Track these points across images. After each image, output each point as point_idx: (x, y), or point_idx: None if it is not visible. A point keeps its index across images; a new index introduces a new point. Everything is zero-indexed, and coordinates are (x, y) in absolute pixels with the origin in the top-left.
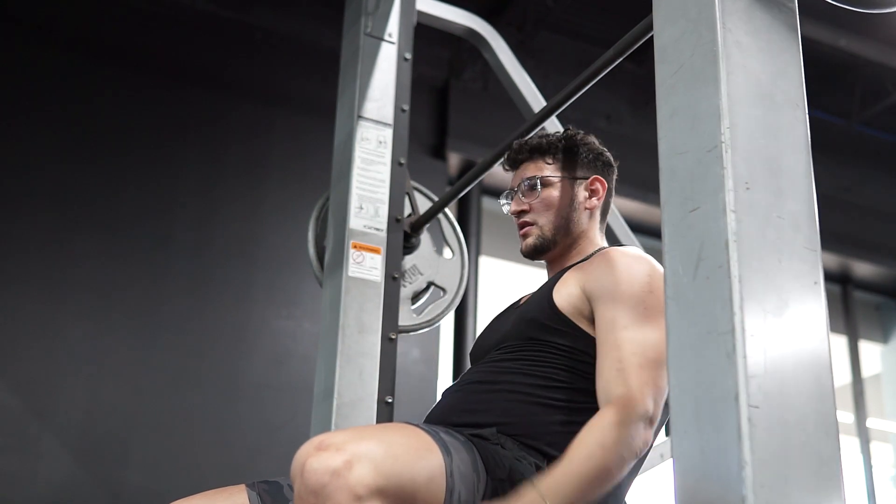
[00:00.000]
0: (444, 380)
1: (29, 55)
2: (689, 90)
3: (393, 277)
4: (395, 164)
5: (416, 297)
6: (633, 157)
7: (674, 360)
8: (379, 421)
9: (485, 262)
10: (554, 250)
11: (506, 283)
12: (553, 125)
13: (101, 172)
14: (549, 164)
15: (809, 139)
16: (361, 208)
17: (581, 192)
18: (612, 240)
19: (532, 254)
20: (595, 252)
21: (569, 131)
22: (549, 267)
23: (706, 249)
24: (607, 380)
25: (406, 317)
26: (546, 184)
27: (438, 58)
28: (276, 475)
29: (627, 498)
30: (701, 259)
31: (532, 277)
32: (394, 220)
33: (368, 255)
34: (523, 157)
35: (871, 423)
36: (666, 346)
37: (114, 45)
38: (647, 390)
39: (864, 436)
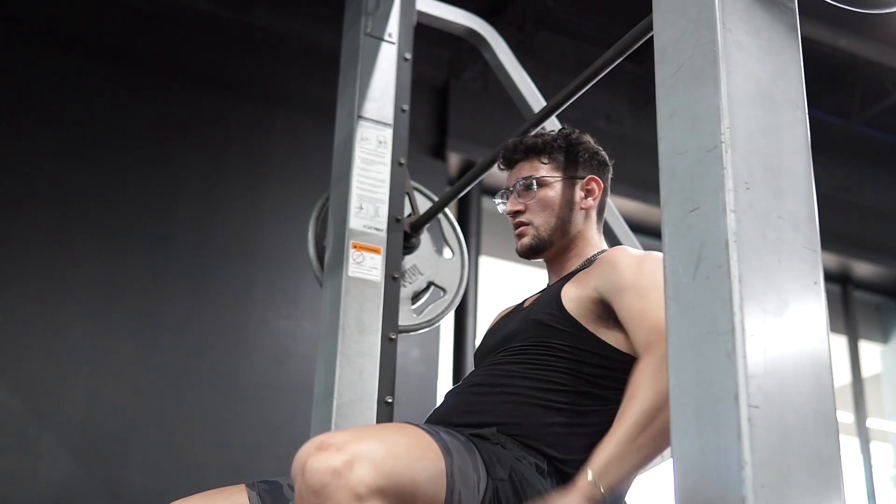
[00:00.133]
0: (444, 380)
1: (29, 55)
2: (689, 90)
3: (393, 277)
4: (395, 164)
5: (416, 297)
6: (633, 157)
7: (674, 360)
8: (379, 421)
9: (485, 262)
10: (550, 250)
11: (506, 283)
12: (553, 125)
13: (101, 172)
14: (545, 163)
15: (809, 139)
16: (361, 208)
17: (577, 192)
18: (612, 240)
19: (527, 254)
20: (597, 254)
21: (564, 130)
22: (549, 267)
23: (706, 249)
24: (649, 327)
25: (406, 317)
26: (542, 184)
27: (438, 58)
28: (276, 475)
29: (627, 498)
30: (701, 259)
31: (532, 277)
32: (394, 220)
33: (368, 255)
34: (519, 156)
35: (871, 423)
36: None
37: (114, 45)
38: None
39: (864, 436)
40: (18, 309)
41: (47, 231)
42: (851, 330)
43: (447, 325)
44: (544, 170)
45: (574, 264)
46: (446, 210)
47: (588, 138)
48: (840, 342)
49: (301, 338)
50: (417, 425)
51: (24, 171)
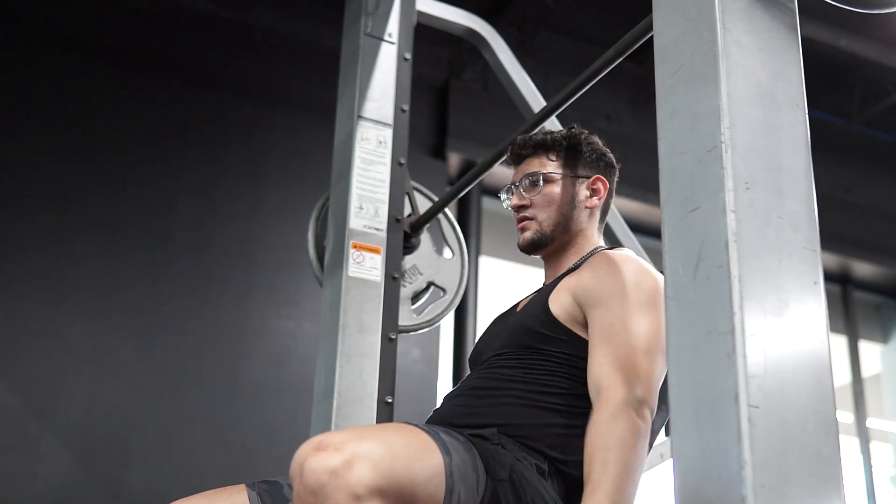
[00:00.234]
0: (444, 380)
1: (29, 55)
2: (689, 90)
3: (393, 277)
4: (395, 164)
5: (416, 297)
6: (633, 157)
7: (674, 360)
8: (379, 421)
9: (485, 262)
10: (550, 246)
11: (506, 283)
12: (553, 125)
13: (101, 172)
14: (553, 160)
15: (809, 139)
16: (361, 208)
17: (582, 191)
18: (612, 240)
19: (529, 248)
20: (590, 253)
21: (573, 130)
22: (547, 264)
23: (706, 249)
24: (595, 377)
25: (406, 317)
26: (548, 180)
27: (438, 58)
28: (276, 475)
29: None
30: (701, 259)
31: (532, 277)
32: (394, 220)
33: (368, 255)
34: (527, 152)
35: (871, 423)
36: (654, 335)
37: (114, 45)
38: (630, 377)
39: (864, 436)
40: (18, 309)
41: (47, 231)
42: (851, 330)
43: (447, 325)
44: (551, 166)
45: (571, 261)
46: (446, 210)
47: (596, 139)
48: (840, 342)
49: (301, 338)
50: (416, 425)
51: (24, 171)
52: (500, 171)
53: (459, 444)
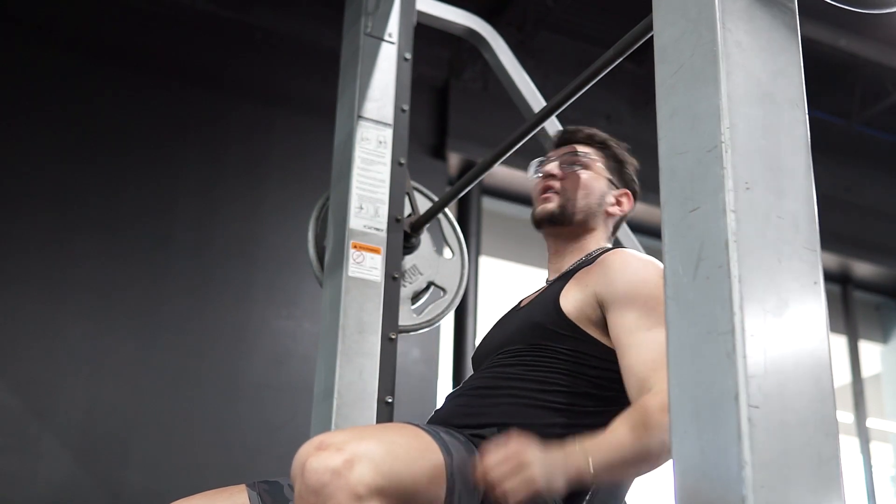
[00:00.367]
0: (444, 380)
1: (29, 55)
2: (689, 90)
3: (393, 277)
4: (395, 164)
5: (416, 297)
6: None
7: (674, 360)
8: (379, 421)
9: (485, 262)
10: (563, 228)
11: (506, 283)
12: (553, 125)
13: (101, 172)
14: (597, 157)
15: (809, 139)
16: (361, 208)
17: (610, 196)
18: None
19: (545, 219)
20: (600, 252)
21: (622, 143)
22: (551, 251)
23: (706, 249)
24: (642, 377)
25: (406, 317)
26: (588, 167)
27: (438, 58)
28: (276, 475)
29: (627, 498)
30: (701, 259)
31: (532, 277)
32: (394, 220)
33: (368, 255)
34: (579, 137)
35: (871, 423)
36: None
37: (114, 45)
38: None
39: (864, 436)
40: (18, 309)
41: (47, 231)
42: (851, 330)
43: (447, 325)
44: (596, 158)
45: (576, 257)
46: (446, 210)
47: (635, 161)
48: (840, 342)
49: (301, 338)
50: (417, 425)
51: (24, 171)
52: (501, 171)
53: (460, 444)
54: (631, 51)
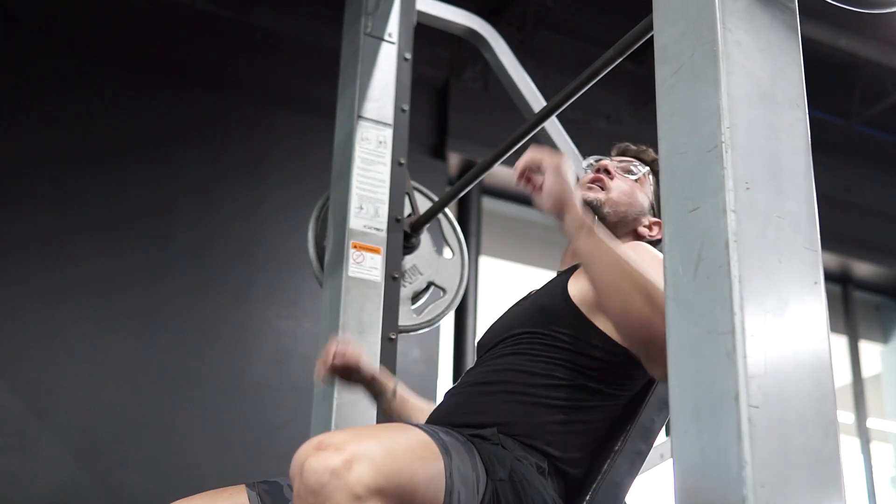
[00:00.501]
0: (444, 380)
1: (29, 55)
2: (689, 90)
3: (393, 277)
4: (395, 164)
5: (416, 297)
6: None
7: (674, 360)
8: (379, 421)
9: (485, 262)
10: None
11: (506, 283)
12: (553, 125)
13: (101, 172)
14: (652, 181)
15: (809, 139)
16: (361, 208)
17: (647, 218)
18: None
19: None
20: None
21: None
22: (569, 248)
23: (706, 249)
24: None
25: (406, 317)
26: (641, 182)
27: (438, 58)
28: (276, 475)
29: (627, 498)
30: (701, 259)
31: (532, 277)
32: (394, 220)
33: (368, 255)
34: (642, 155)
35: (871, 423)
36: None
37: (114, 45)
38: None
39: (864, 436)
40: (18, 309)
41: (47, 231)
42: (851, 330)
43: (447, 325)
44: (650, 181)
45: None
46: (446, 210)
47: None
48: (840, 342)
49: (301, 338)
50: (416, 425)
51: (24, 171)
52: (501, 171)
53: (459, 444)
54: (631, 51)
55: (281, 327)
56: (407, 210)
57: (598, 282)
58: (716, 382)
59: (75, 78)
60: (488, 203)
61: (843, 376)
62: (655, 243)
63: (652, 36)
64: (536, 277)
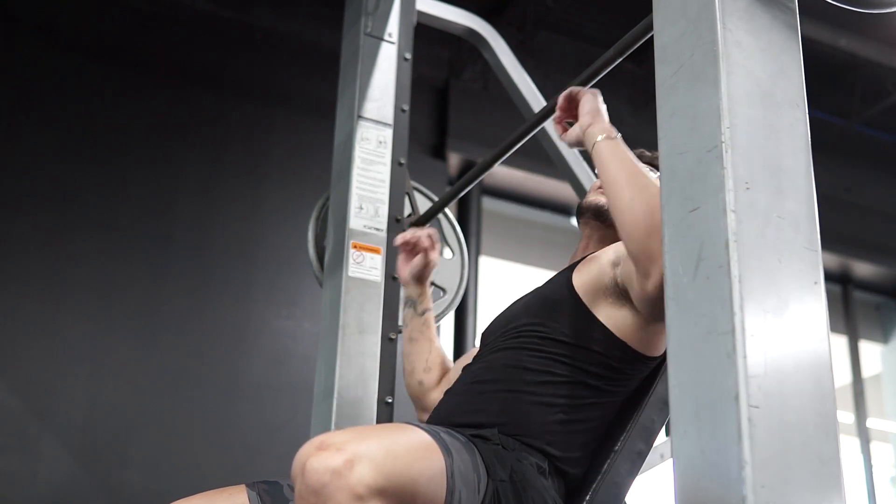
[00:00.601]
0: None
1: (29, 55)
2: (689, 90)
3: (393, 277)
4: (395, 164)
5: None
6: None
7: (674, 360)
8: (379, 421)
9: (485, 262)
10: (601, 224)
11: (506, 283)
12: (553, 125)
13: (101, 172)
14: None
15: (809, 139)
16: (361, 208)
17: None
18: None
19: (590, 209)
20: None
21: None
22: (579, 247)
23: (706, 249)
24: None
25: None
26: None
27: (438, 58)
28: (276, 475)
29: (627, 498)
30: (701, 259)
31: (532, 277)
32: (394, 220)
33: (368, 255)
34: (656, 164)
35: (871, 423)
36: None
37: (114, 45)
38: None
39: (864, 436)
40: (18, 309)
41: (47, 231)
42: (851, 330)
43: (447, 325)
44: None
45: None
46: (446, 210)
47: None
48: (840, 342)
49: (301, 338)
50: (417, 425)
51: (24, 171)
52: (501, 171)
53: (460, 444)
54: (631, 51)
55: (281, 327)
56: (407, 210)
57: (611, 185)
58: (716, 382)
59: (75, 78)
60: (488, 203)
61: (843, 376)
62: None
63: (652, 36)
64: (536, 277)
